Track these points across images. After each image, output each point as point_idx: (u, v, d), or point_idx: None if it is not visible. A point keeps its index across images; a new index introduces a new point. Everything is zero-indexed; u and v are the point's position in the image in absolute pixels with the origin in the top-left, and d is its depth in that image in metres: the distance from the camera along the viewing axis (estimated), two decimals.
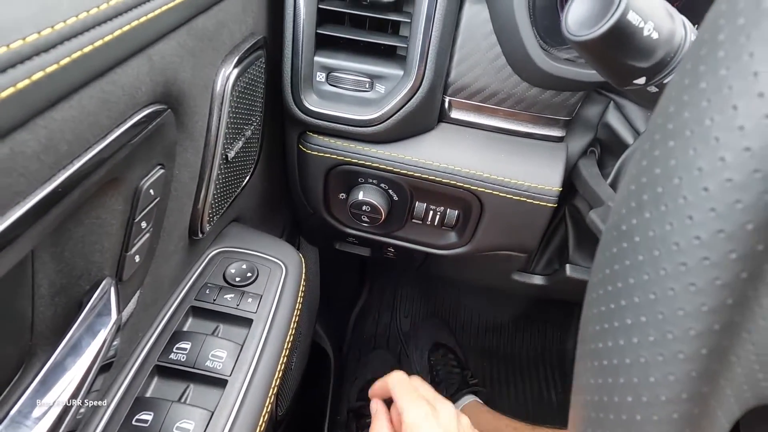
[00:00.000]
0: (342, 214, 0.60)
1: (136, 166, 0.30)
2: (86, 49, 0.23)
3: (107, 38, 0.24)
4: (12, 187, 0.20)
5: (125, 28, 0.25)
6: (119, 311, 0.29)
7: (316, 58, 0.48)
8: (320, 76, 0.48)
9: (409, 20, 0.45)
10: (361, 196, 0.55)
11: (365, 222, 0.57)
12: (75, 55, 0.22)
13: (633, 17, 0.24)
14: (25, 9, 0.20)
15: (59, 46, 0.21)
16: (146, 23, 0.27)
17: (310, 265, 0.87)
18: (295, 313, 0.48)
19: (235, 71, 0.39)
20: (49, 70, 0.20)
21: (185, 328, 0.42)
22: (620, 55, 0.27)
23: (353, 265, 1.20)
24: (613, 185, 0.47)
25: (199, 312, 0.44)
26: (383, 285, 1.25)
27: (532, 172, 0.51)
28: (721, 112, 0.13)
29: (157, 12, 0.28)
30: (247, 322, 0.43)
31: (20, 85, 0.19)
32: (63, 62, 0.21)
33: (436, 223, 0.57)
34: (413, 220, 0.58)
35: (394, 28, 0.48)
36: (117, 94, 0.26)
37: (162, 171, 0.33)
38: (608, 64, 0.28)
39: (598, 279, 0.17)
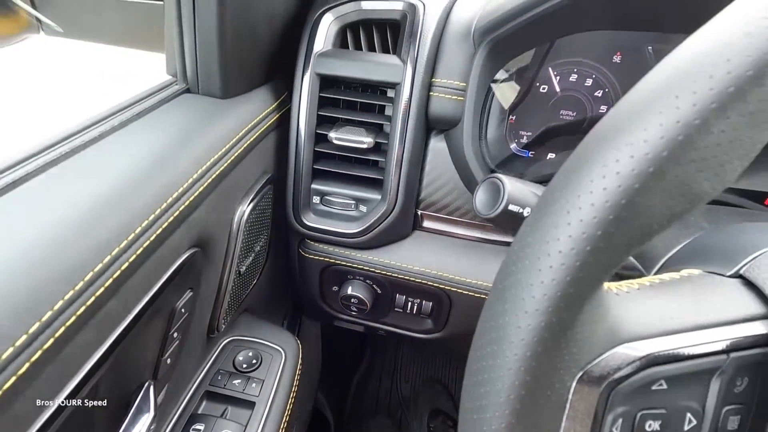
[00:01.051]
0: (335, 303, 0.71)
1: (174, 294, 0.41)
2: (151, 237, 0.35)
3: (165, 225, 0.36)
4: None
5: (175, 214, 0.38)
6: (156, 407, 0.39)
7: (313, 186, 0.61)
8: (316, 199, 0.61)
9: (384, 158, 0.58)
10: (349, 290, 0.66)
11: (354, 311, 0.68)
12: (146, 244, 0.34)
13: (513, 207, 0.36)
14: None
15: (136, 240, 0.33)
16: (187, 206, 0.40)
17: (311, 338, 0.97)
18: (292, 393, 0.58)
19: (249, 207, 0.52)
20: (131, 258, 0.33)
21: (200, 411, 0.52)
22: (515, 225, 0.38)
23: (355, 332, 1.29)
24: None
25: (212, 396, 0.54)
26: (385, 348, 1.32)
27: (493, 273, 0.62)
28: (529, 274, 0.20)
29: (195, 195, 0.41)
30: (250, 405, 0.53)
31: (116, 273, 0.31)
32: (138, 251, 0.33)
33: (414, 312, 0.67)
34: (395, 309, 0.68)
35: (374, 162, 0.61)
36: (165, 254, 0.38)
37: (191, 293, 0.44)
38: (510, 228, 0.40)
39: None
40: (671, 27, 0.49)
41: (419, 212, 0.63)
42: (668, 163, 0.18)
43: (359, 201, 0.60)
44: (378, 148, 0.59)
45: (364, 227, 0.60)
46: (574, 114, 0.58)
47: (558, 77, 0.58)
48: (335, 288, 0.69)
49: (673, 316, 0.24)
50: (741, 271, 0.27)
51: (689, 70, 0.19)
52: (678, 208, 0.19)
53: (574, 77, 0.57)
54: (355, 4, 0.57)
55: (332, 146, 0.58)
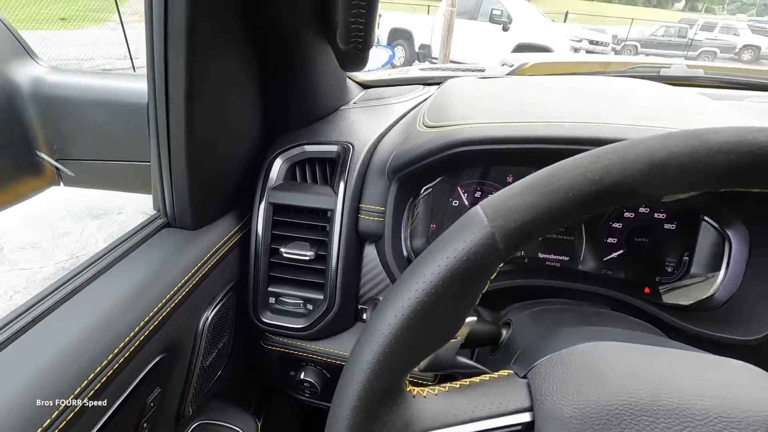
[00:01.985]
0: (294, 387, 0.82)
1: (145, 391, 0.53)
2: (129, 351, 0.48)
3: (139, 341, 0.49)
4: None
5: (148, 330, 0.51)
6: None
7: (269, 289, 0.74)
8: (272, 300, 0.75)
9: (324, 266, 0.72)
10: (302, 375, 0.77)
11: (307, 393, 0.78)
12: (126, 355, 0.47)
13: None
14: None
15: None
16: (159, 322, 0.53)
17: (285, 417, 1.05)
18: None
19: (213, 312, 0.65)
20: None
21: None
22: None
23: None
24: None
25: None
26: None
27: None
28: None
29: (165, 313, 0.54)
30: None
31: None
32: (119, 362, 0.46)
33: None
34: None
35: (319, 269, 0.75)
36: (138, 363, 0.50)
37: (159, 389, 0.56)
38: None
39: None
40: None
41: (359, 307, 0.76)
42: (413, 322, 0.30)
43: (307, 301, 0.74)
44: (321, 258, 0.73)
45: (311, 322, 0.72)
46: None
47: (466, 194, 0.74)
48: (292, 373, 0.80)
49: (464, 410, 0.36)
50: (527, 373, 0.39)
51: (426, 259, 0.30)
52: (418, 356, 0.31)
53: (479, 194, 0.73)
54: (301, 148, 0.74)
55: (284, 258, 0.72)
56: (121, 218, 2.96)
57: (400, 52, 9.00)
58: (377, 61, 1.03)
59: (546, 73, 1.03)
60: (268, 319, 0.74)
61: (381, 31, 9.19)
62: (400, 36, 8.89)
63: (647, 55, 13.68)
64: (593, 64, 1.18)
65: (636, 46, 13.79)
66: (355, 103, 0.94)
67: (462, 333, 0.46)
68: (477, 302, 0.31)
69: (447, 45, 6.93)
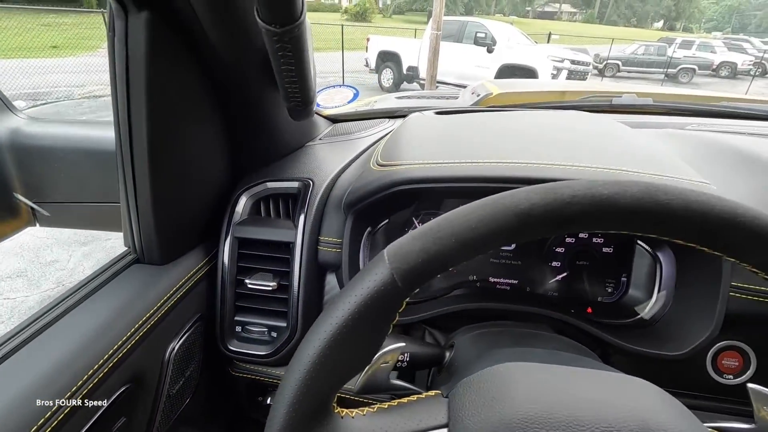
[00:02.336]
0: (263, 412, 0.85)
1: (110, 421, 0.57)
2: (94, 381, 0.51)
3: (104, 372, 0.53)
4: None
5: (113, 362, 0.55)
6: None
7: (236, 318, 0.78)
8: (238, 329, 0.78)
9: (287, 296, 0.76)
10: (269, 401, 0.80)
11: None
12: (90, 386, 0.51)
13: None
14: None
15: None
16: (124, 354, 0.57)
17: None
18: None
19: (179, 342, 0.69)
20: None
21: None
22: None
23: None
24: None
25: None
26: None
27: None
28: None
29: (130, 345, 0.58)
30: None
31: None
32: (83, 392, 0.50)
33: None
34: None
35: (282, 298, 0.79)
36: (103, 393, 0.54)
37: (125, 419, 0.60)
38: None
39: None
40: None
41: None
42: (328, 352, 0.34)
43: (271, 329, 0.78)
44: (284, 288, 0.77)
45: (275, 349, 0.76)
46: None
47: (420, 224, 0.79)
48: (260, 398, 0.83)
49: (387, 428, 0.40)
50: (449, 393, 0.43)
51: (341, 295, 0.34)
52: (338, 381, 0.35)
53: None
54: (264, 185, 0.80)
55: (249, 289, 0.76)
56: (108, 244, 2.98)
57: (388, 74, 9.22)
58: (342, 100, 1.09)
59: (507, 103, 1.09)
60: (235, 347, 0.77)
61: (369, 54, 9.43)
62: (388, 58, 9.13)
63: (629, 72, 14.09)
64: (551, 94, 1.25)
65: (618, 65, 14.21)
66: (321, 139, 0.99)
67: (392, 358, 0.50)
68: (388, 331, 0.35)
69: (433, 66, 7.13)
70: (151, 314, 0.62)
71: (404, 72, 8.86)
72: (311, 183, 0.78)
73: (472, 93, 1.38)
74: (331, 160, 0.86)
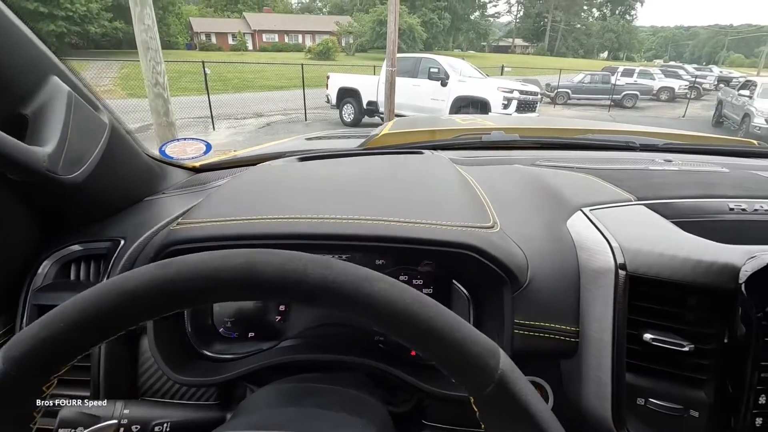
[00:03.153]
0: None
1: None
2: None
3: None
4: None
5: None
6: None
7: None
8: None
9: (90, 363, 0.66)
10: None
11: None
12: None
13: None
14: None
15: None
16: None
17: None
18: None
19: None
20: None
21: None
22: None
23: None
24: None
25: None
26: None
27: None
28: None
29: None
30: None
31: None
32: None
33: None
34: None
35: None
36: None
37: None
38: None
39: None
40: None
41: None
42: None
43: (78, 398, 0.69)
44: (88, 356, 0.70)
45: None
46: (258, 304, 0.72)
47: None
48: None
49: None
50: None
51: None
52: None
53: None
54: (68, 249, 0.74)
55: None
56: None
57: (349, 109, 9.46)
58: (196, 151, 1.02)
59: (391, 143, 1.07)
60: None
61: (330, 91, 9.69)
62: (348, 95, 9.39)
63: (579, 99, 14.99)
64: (432, 132, 1.27)
65: (568, 93, 15.13)
66: (164, 192, 0.92)
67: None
68: (31, 422, 0.34)
69: (390, 101, 7.38)
70: None
71: (364, 107, 9.11)
72: (121, 242, 0.72)
73: (372, 134, 1.36)
74: (158, 215, 0.80)
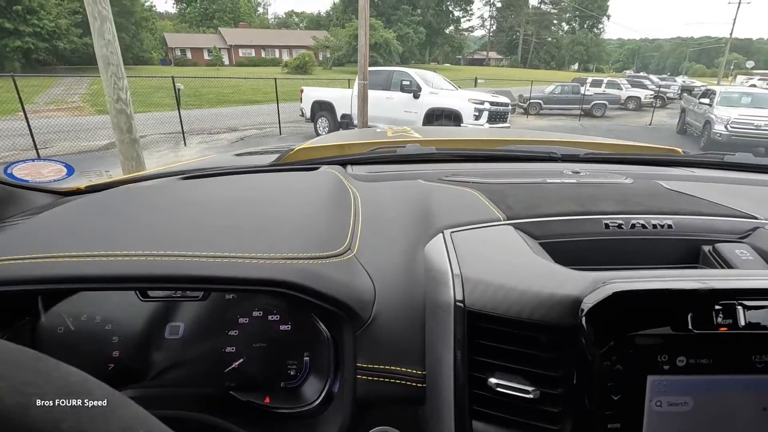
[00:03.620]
0: None
1: None
2: None
3: None
4: None
5: None
6: None
7: None
8: None
9: None
10: None
11: None
12: None
13: None
14: None
15: None
16: None
17: None
18: None
19: None
20: None
21: None
22: None
23: None
24: None
25: None
26: None
27: None
28: None
29: None
30: None
31: None
32: None
33: None
34: None
35: None
36: None
37: None
38: None
39: None
40: None
41: None
42: None
43: None
44: None
45: None
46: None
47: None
48: None
49: None
50: None
51: None
52: None
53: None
54: None
55: None
56: None
57: (324, 122, 9.46)
58: (54, 174, 0.88)
59: (308, 157, 1.02)
60: None
61: (304, 105, 9.67)
62: (323, 108, 9.39)
63: (551, 109, 15.38)
64: (343, 147, 1.20)
65: (540, 103, 15.51)
66: (7, 220, 0.79)
67: None
68: None
69: (364, 113, 7.41)
70: None
71: (339, 120, 9.12)
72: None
73: (290, 147, 1.26)
74: None
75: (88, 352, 0.58)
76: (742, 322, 0.39)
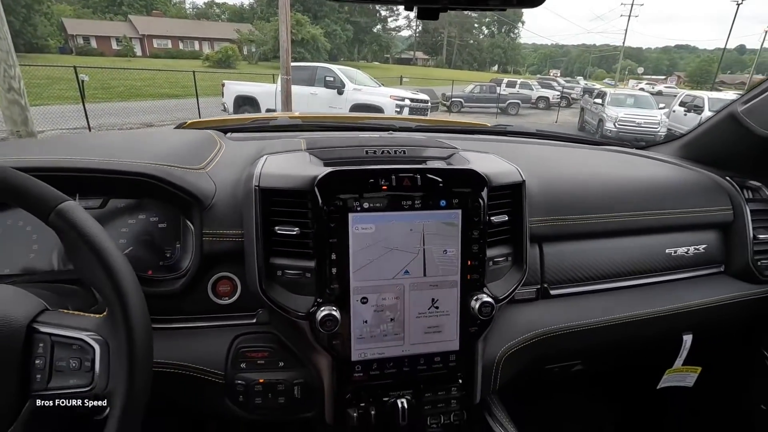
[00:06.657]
0: None
1: None
2: None
3: None
4: None
5: None
6: None
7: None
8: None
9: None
10: None
11: None
12: None
13: None
14: None
15: None
16: None
17: None
18: None
19: None
20: None
21: None
22: None
23: None
24: None
25: None
26: None
27: None
28: None
29: None
30: None
31: None
32: None
33: None
34: None
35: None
36: None
37: None
38: None
39: None
40: None
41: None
42: None
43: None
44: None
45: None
46: None
47: None
48: None
49: None
50: None
51: None
52: None
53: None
54: None
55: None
56: None
57: None
58: None
59: (199, 127, 1.19)
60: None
61: (226, 99, 9.39)
62: (246, 102, 9.19)
63: (471, 107, 16.33)
64: (225, 120, 1.40)
65: (461, 102, 16.42)
66: None
67: None
68: None
69: (288, 108, 7.42)
70: None
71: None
72: None
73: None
74: None
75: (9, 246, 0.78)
76: (395, 184, 0.70)
